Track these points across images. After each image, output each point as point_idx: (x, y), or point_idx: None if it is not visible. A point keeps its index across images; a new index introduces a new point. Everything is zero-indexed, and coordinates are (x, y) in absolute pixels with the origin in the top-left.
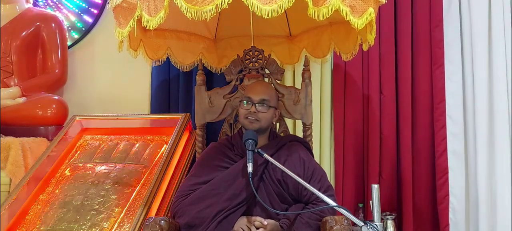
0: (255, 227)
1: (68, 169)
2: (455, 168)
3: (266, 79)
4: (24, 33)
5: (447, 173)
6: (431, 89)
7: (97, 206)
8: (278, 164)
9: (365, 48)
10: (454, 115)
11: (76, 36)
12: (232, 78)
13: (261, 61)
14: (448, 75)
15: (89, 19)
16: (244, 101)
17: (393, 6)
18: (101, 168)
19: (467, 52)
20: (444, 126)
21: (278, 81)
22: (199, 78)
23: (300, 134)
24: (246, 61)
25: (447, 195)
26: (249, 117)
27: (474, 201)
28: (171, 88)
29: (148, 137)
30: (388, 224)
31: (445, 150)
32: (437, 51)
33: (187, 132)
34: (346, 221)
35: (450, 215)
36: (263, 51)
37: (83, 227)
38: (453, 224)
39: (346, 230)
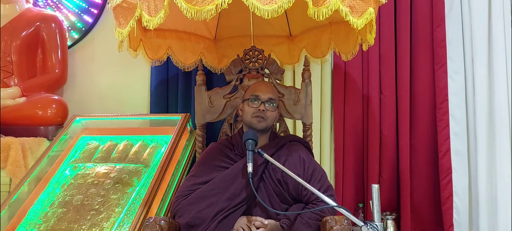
0: (255, 227)
1: (68, 169)
2: (458, 168)
3: (266, 79)
4: (24, 33)
5: (450, 173)
6: (433, 89)
7: (97, 206)
8: (278, 164)
9: (365, 48)
10: (457, 114)
11: (76, 36)
12: (232, 78)
13: (261, 61)
14: (451, 74)
15: (89, 19)
16: (252, 99)
17: (393, 6)
18: (101, 168)
19: (468, 51)
20: (447, 125)
21: (278, 81)
22: (199, 78)
23: (300, 134)
24: (246, 61)
25: (451, 195)
26: (258, 115)
27: (477, 201)
28: (170, 88)
29: (148, 137)
30: (388, 224)
31: (449, 149)
32: (439, 50)
33: (187, 132)
34: (346, 221)
35: (454, 215)
36: (263, 51)
37: (83, 227)
38: (457, 225)
39: (346, 230)
